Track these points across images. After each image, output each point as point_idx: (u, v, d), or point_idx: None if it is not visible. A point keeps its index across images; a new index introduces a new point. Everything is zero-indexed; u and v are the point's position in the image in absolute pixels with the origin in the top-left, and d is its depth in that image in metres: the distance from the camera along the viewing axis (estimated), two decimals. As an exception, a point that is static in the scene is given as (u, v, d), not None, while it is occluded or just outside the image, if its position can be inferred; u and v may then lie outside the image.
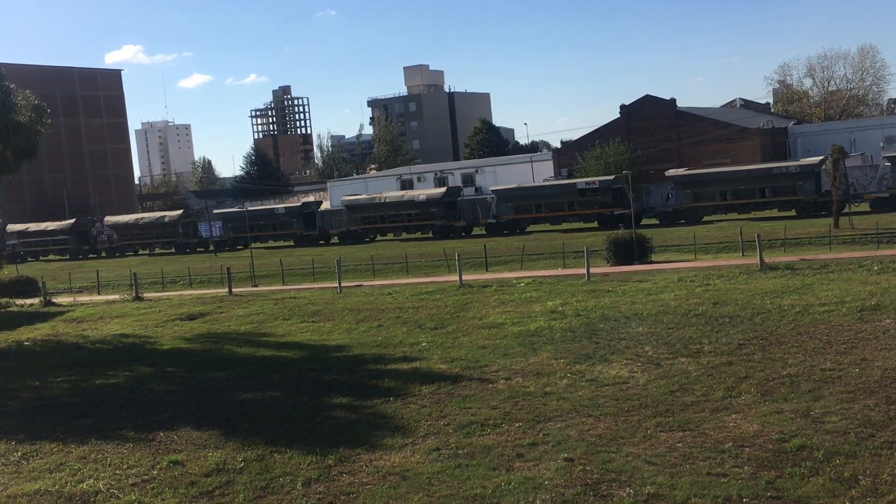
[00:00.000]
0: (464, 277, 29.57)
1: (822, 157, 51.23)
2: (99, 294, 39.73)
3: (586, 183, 57.59)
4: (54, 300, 35.46)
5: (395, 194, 68.14)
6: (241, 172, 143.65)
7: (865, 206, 49.77)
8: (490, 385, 14.49)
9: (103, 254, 74.12)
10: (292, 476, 10.63)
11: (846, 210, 43.27)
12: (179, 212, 74.23)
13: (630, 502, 8.97)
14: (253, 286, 36.70)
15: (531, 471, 10.09)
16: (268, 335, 22.42)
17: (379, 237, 64.12)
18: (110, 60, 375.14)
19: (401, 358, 17.58)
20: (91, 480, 11.04)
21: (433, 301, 25.30)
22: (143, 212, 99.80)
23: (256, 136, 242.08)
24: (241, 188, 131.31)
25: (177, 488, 10.54)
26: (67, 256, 73.45)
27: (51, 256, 75.43)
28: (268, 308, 27.01)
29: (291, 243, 66.47)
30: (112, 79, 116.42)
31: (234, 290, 33.39)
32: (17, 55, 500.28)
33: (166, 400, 15.40)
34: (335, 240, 66.84)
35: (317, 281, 37.85)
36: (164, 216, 73.46)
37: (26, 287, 39.22)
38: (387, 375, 15.98)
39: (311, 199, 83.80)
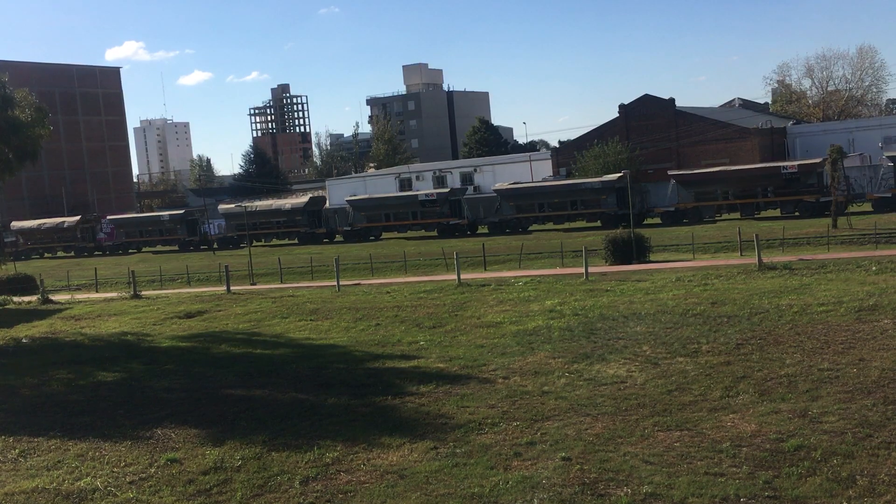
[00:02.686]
0: (462, 276, 29.57)
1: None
2: (97, 292, 39.71)
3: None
4: (52, 298, 35.42)
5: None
6: (240, 171, 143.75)
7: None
8: (488, 384, 14.50)
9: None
10: (290, 474, 10.63)
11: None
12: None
13: (627, 501, 8.98)
14: (251, 284, 36.69)
15: (529, 470, 10.09)
16: (266, 333, 22.42)
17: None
18: (111, 57, 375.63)
19: (399, 356, 17.58)
20: (89, 478, 11.04)
21: (431, 300, 25.30)
22: (142, 210, 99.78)
23: (255, 135, 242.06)
24: (240, 186, 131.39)
25: (174, 486, 10.54)
26: (72, 253, 73.39)
27: (59, 253, 75.39)
28: (266, 306, 27.00)
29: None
30: (111, 76, 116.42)
31: (232, 288, 33.38)
32: (17, 52, 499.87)
33: (164, 398, 15.40)
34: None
35: (315, 279, 37.84)
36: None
37: (24, 284, 39.21)
38: (385, 374, 15.99)
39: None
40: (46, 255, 75.07)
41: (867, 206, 50.30)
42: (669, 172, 59.04)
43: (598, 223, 55.73)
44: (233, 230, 68.18)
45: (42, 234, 76.31)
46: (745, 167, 56.95)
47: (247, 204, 71.96)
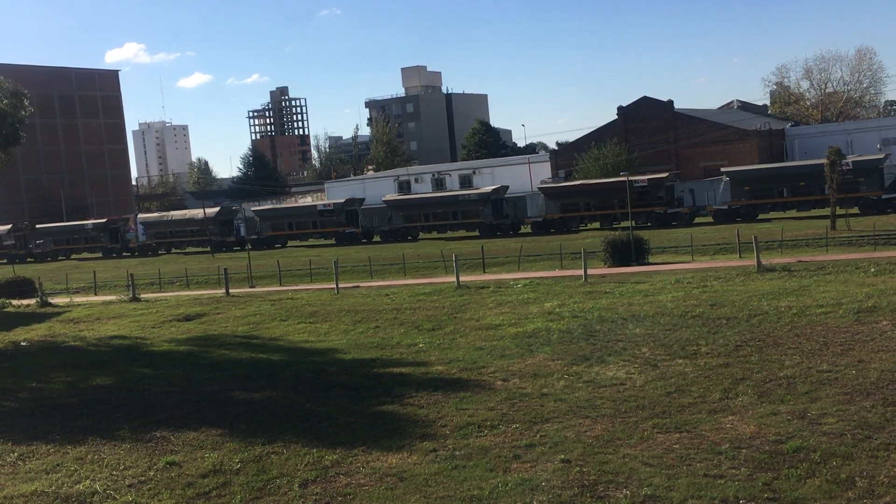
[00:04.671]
0: (461, 278, 29.57)
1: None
2: (96, 295, 39.69)
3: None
4: (51, 300, 35.40)
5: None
6: (239, 173, 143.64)
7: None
8: (487, 386, 14.49)
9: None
10: (289, 477, 10.62)
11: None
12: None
13: (627, 503, 8.98)
14: (250, 287, 36.68)
15: (528, 472, 10.09)
16: (265, 336, 22.41)
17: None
18: (112, 59, 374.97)
19: (398, 359, 17.58)
20: (88, 481, 11.03)
21: (431, 302, 25.30)
22: (140, 212, 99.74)
23: (254, 137, 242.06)
24: (239, 189, 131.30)
25: (173, 489, 10.53)
26: (100, 255, 73.29)
27: (84, 254, 75.26)
28: (265, 309, 26.99)
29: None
30: (109, 79, 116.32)
31: (231, 290, 33.37)
32: (18, 55, 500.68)
33: (163, 401, 15.39)
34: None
35: (314, 282, 37.83)
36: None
37: (23, 287, 39.19)
38: (384, 376, 15.98)
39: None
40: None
41: (709, 219, 53.04)
42: (538, 186, 62.52)
43: (477, 232, 59.65)
44: (152, 238, 72.25)
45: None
46: (601, 181, 60.48)
47: (163, 213, 76.36)
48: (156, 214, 76.21)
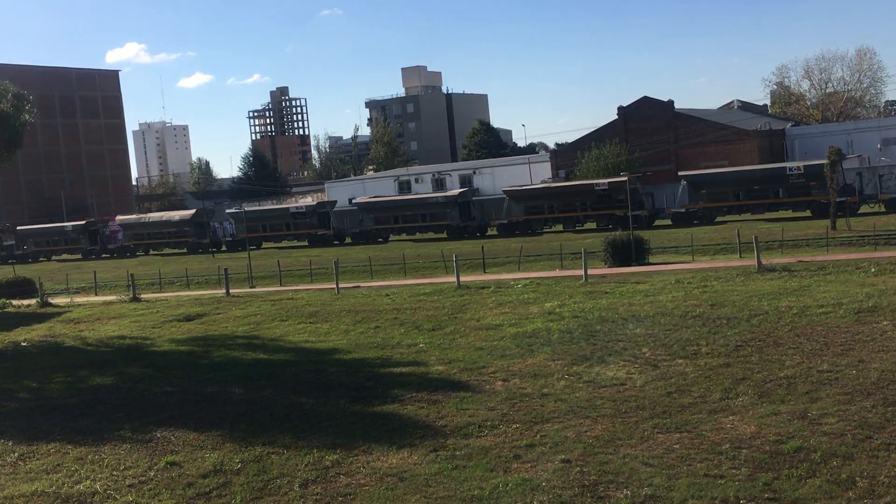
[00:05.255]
0: (462, 279, 29.57)
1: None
2: (96, 295, 39.71)
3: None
4: (51, 301, 35.42)
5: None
6: (239, 173, 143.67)
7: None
8: (487, 386, 14.49)
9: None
10: (289, 477, 10.63)
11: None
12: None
13: (627, 504, 8.98)
14: (250, 287, 36.69)
15: (528, 472, 10.09)
16: (265, 336, 22.41)
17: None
18: (113, 58, 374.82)
19: (398, 359, 17.58)
20: (88, 481, 11.03)
21: (431, 302, 25.30)
22: (140, 212, 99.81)
23: (254, 137, 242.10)
24: (239, 189, 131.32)
25: (174, 489, 10.54)
26: (80, 256, 73.90)
27: (64, 256, 75.59)
28: (265, 309, 27.00)
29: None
30: (110, 79, 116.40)
31: (231, 290, 33.37)
32: (19, 55, 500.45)
33: (163, 401, 15.39)
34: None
35: (314, 282, 37.84)
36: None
37: (23, 288, 39.21)
38: (384, 377, 15.99)
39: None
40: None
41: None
42: (503, 189, 63.49)
43: (445, 234, 60.74)
44: (130, 239, 74.13)
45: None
46: (563, 184, 62.44)
47: (140, 216, 78.66)
48: (133, 216, 77.90)
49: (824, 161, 52.28)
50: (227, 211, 76.05)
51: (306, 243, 65.46)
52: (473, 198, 64.54)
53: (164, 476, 11.05)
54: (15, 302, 35.64)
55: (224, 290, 33.34)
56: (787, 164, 53.63)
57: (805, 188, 51.31)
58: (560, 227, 57.63)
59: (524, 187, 63.62)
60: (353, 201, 70.29)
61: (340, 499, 9.82)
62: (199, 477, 10.90)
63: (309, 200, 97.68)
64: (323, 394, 14.98)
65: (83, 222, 77.02)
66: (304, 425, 12.95)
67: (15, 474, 11.63)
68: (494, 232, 59.82)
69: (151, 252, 72.15)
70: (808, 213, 50.61)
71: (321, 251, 57.79)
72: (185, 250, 70.17)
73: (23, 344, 24.29)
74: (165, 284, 43.02)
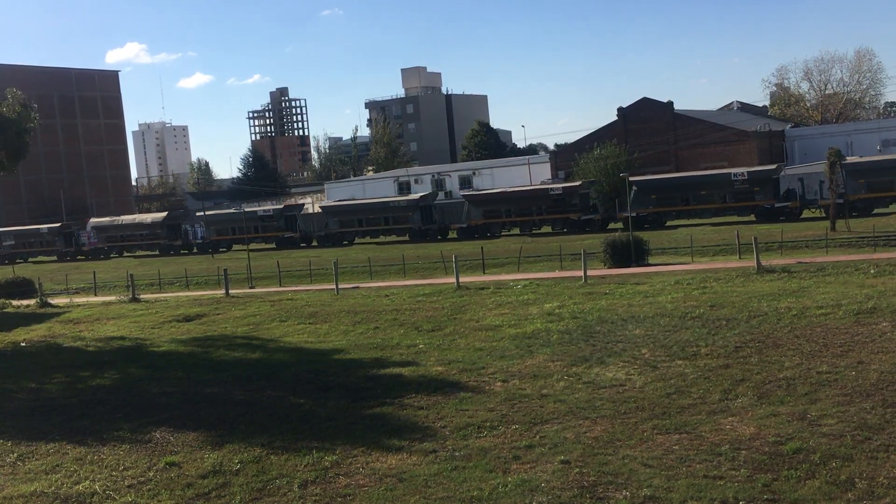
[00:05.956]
0: (461, 279, 29.57)
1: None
2: (96, 295, 39.70)
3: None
4: (51, 301, 35.41)
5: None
6: (239, 174, 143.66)
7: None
8: (487, 387, 14.50)
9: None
10: (289, 478, 10.63)
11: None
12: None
13: (626, 505, 8.98)
14: (250, 287, 36.68)
15: (528, 473, 10.09)
16: (265, 337, 22.41)
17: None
18: (113, 58, 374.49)
19: (397, 360, 17.58)
20: (87, 482, 11.03)
21: (430, 303, 25.30)
22: (139, 213, 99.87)
23: (254, 138, 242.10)
24: (239, 189, 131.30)
25: (173, 490, 10.54)
26: (55, 258, 74.76)
27: (40, 257, 76.20)
28: (265, 310, 26.99)
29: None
30: (109, 80, 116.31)
31: (231, 291, 33.37)
32: (19, 55, 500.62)
33: (163, 401, 15.39)
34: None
35: (314, 283, 37.84)
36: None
37: (23, 288, 39.17)
38: (383, 377, 15.99)
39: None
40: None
41: (620, 225, 54.10)
42: (462, 194, 65.59)
43: (407, 237, 61.83)
44: (103, 241, 75.16)
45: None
46: (520, 189, 63.04)
47: (114, 218, 79.79)
48: (107, 219, 79.17)
49: (768, 167, 55.72)
50: (198, 214, 77.56)
51: (274, 246, 66.86)
52: (435, 202, 66.00)
53: (164, 476, 11.05)
54: (14, 302, 35.62)
55: (223, 291, 33.33)
56: (732, 171, 55.29)
57: (749, 193, 53.25)
58: (517, 231, 58.89)
59: (483, 191, 65.42)
60: (319, 205, 72.44)
61: (340, 499, 9.82)
62: (199, 477, 10.90)
63: (309, 201, 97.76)
64: (322, 394, 14.98)
65: (58, 225, 78.49)
66: (304, 426, 12.95)
67: (14, 474, 11.63)
68: (455, 235, 61.02)
69: (125, 254, 73.70)
70: (752, 217, 52.53)
71: (288, 253, 58.75)
72: (157, 252, 71.71)
73: (22, 344, 24.28)
74: (165, 285, 43.00)
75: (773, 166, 56.19)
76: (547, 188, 59.80)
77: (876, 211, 48.80)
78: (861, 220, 44.33)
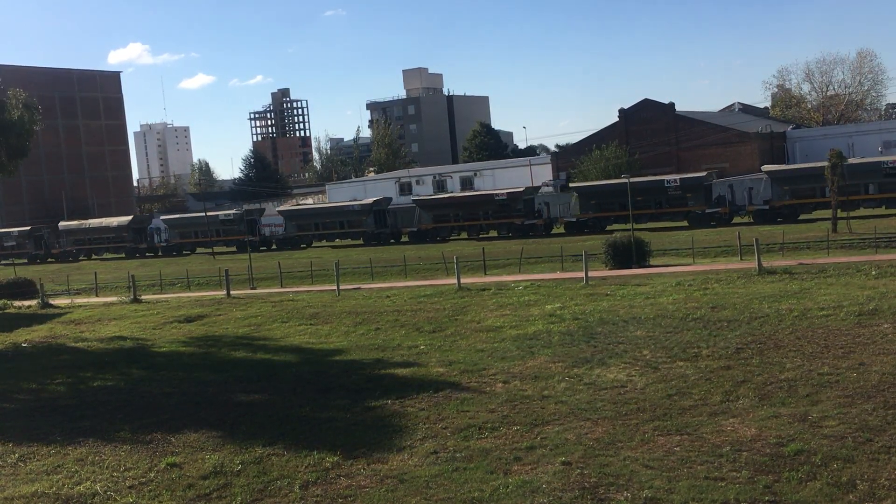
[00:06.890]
0: (462, 280, 29.56)
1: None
2: (97, 296, 39.73)
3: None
4: (52, 302, 35.42)
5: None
6: (240, 175, 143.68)
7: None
8: (488, 388, 14.49)
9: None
10: (290, 479, 10.63)
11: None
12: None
13: (628, 506, 8.97)
14: (251, 288, 36.70)
15: (529, 474, 10.09)
16: (266, 338, 22.41)
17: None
18: (115, 59, 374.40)
19: (399, 361, 17.58)
20: (88, 483, 11.03)
21: (431, 304, 25.30)
22: (140, 213, 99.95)
23: (255, 139, 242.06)
24: (240, 190, 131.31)
25: (174, 491, 10.54)
26: (25, 260, 75.19)
27: (11, 260, 76.25)
28: (266, 310, 27.00)
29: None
30: (111, 80, 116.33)
31: (232, 292, 33.37)
32: (21, 55, 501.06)
33: (164, 402, 15.39)
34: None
35: (315, 283, 37.84)
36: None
37: (24, 289, 39.19)
38: (384, 378, 15.98)
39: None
40: (94, 256, 76.15)
41: (562, 229, 57.58)
42: (413, 199, 67.36)
43: (361, 241, 64.16)
44: (72, 244, 76.91)
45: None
46: (467, 194, 66.79)
47: (82, 221, 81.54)
48: (75, 223, 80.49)
49: (699, 174, 57.51)
50: (161, 217, 79.44)
51: (235, 248, 67.97)
52: (389, 206, 67.60)
53: (165, 477, 11.05)
54: (16, 303, 35.63)
55: (225, 292, 33.34)
56: (666, 178, 56.78)
57: (682, 200, 54.93)
58: (465, 235, 60.58)
59: (432, 197, 67.57)
60: (277, 209, 74.11)
61: (341, 500, 9.82)
62: (200, 478, 10.90)
63: (309, 202, 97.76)
64: (323, 395, 14.98)
65: (28, 228, 79.56)
66: (305, 427, 12.95)
67: (15, 475, 11.63)
68: (406, 239, 62.41)
69: (93, 257, 75.00)
70: (685, 222, 53.94)
71: (248, 255, 59.24)
72: (123, 255, 73.37)
73: (23, 345, 24.29)
74: (166, 286, 43.03)
75: (704, 173, 57.95)
76: (493, 194, 62.00)
77: (802, 217, 50.70)
78: (862, 221, 44.29)
